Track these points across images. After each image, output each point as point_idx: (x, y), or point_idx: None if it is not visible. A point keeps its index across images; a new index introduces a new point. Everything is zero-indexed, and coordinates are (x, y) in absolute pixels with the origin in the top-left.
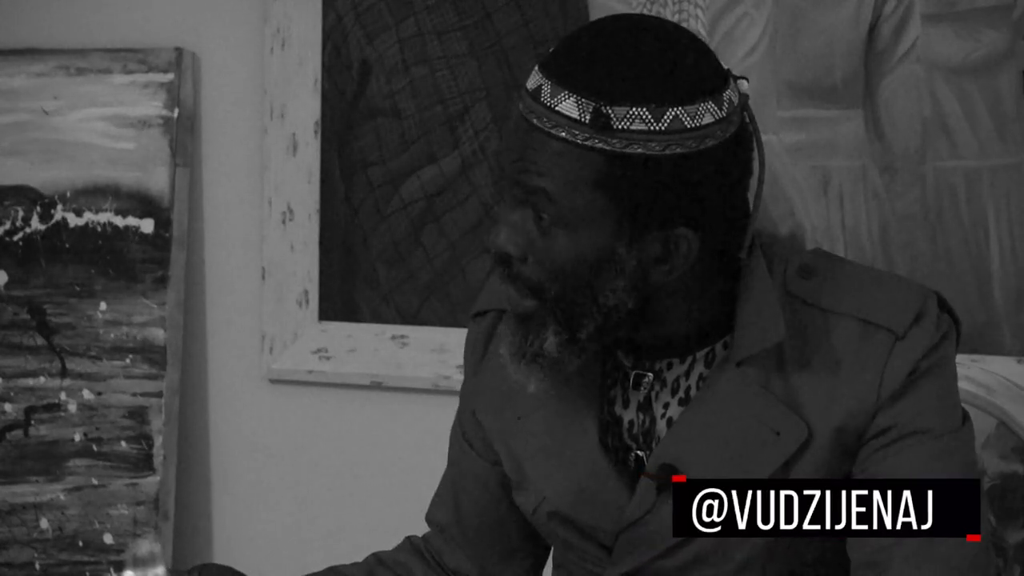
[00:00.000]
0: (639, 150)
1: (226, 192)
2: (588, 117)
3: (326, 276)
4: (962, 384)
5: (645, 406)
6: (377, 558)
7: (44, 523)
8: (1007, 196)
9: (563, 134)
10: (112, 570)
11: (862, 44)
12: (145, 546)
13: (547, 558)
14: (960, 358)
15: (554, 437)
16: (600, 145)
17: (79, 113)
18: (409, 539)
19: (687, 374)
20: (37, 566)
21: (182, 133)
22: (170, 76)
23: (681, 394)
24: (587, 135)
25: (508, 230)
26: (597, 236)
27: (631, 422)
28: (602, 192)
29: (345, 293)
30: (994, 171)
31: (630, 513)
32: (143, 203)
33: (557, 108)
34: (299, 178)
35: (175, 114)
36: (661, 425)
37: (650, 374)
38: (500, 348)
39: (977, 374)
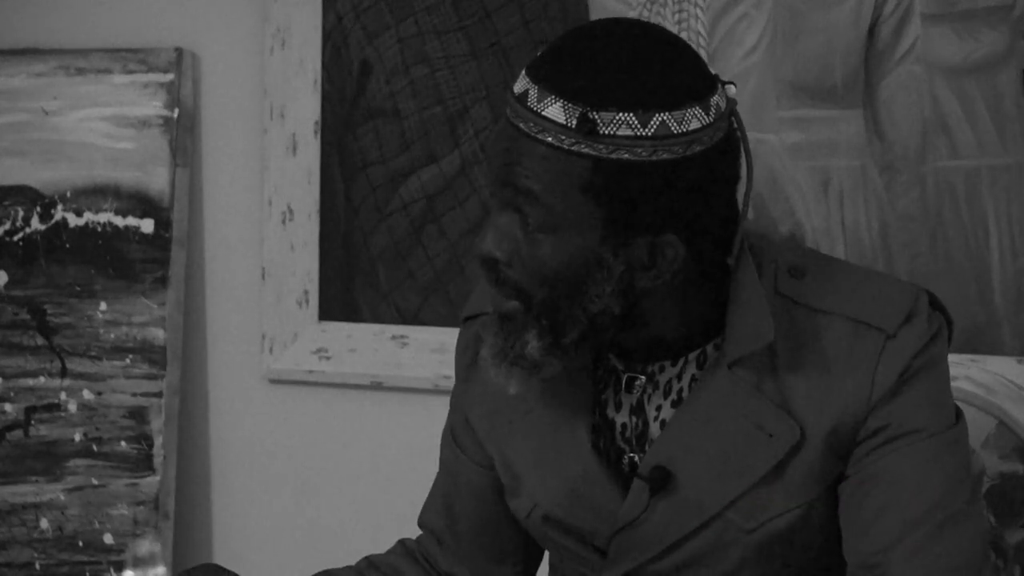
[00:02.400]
0: (625, 155)
1: (226, 192)
2: (574, 122)
3: (326, 276)
4: (962, 384)
5: (638, 409)
6: (369, 561)
7: (44, 523)
8: (1007, 196)
9: (549, 139)
10: (112, 570)
11: (862, 44)
12: (145, 546)
13: (541, 559)
14: (960, 358)
15: (545, 442)
16: (586, 150)
17: (79, 113)
18: (402, 542)
19: (679, 376)
20: (37, 566)
21: (182, 133)
22: (170, 76)
23: (674, 396)
24: (573, 140)
25: (494, 233)
26: (583, 241)
27: (624, 425)
28: (588, 197)
29: (345, 293)
30: (994, 171)
31: (623, 515)
32: (143, 203)
33: (544, 112)
34: (299, 178)
35: (175, 114)
36: (654, 428)
37: (642, 377)
38: (481, 350)
39: (977, 374)
